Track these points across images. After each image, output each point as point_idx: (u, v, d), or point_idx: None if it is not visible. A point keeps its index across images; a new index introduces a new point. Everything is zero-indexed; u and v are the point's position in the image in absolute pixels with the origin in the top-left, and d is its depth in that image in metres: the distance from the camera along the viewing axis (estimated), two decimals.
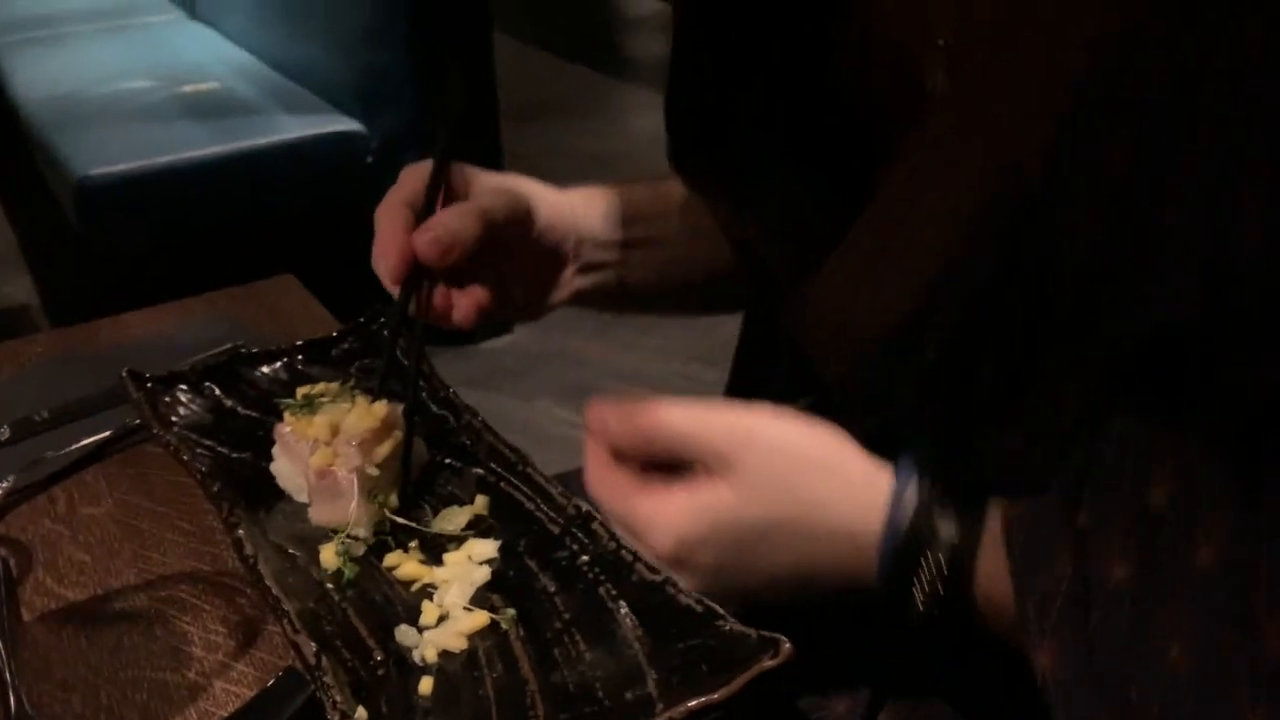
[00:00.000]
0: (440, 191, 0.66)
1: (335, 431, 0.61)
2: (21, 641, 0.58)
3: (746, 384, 0.83)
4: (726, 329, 0.89)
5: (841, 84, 0.59)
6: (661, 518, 0.52)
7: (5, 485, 0.70)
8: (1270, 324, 0.43)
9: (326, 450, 0.60)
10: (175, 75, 2.42)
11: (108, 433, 0.75)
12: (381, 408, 0.62)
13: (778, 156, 0.62)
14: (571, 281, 0.74)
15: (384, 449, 0.61)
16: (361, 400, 0.63)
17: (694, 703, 0.48)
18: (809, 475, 0.53)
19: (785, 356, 0.69)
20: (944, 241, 0.50)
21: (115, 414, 0.76)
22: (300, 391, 0.67)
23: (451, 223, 0.64)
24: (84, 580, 0.63)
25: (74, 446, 0.74)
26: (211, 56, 2.56)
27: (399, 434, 0.63)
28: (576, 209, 0.74)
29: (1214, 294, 0.43)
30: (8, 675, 0.54)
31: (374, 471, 0.60)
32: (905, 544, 0.50)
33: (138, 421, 0.73)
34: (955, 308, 0.49)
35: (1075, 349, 0.47)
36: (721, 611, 0.53)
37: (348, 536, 0.60)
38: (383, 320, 0.79)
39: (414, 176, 0.67)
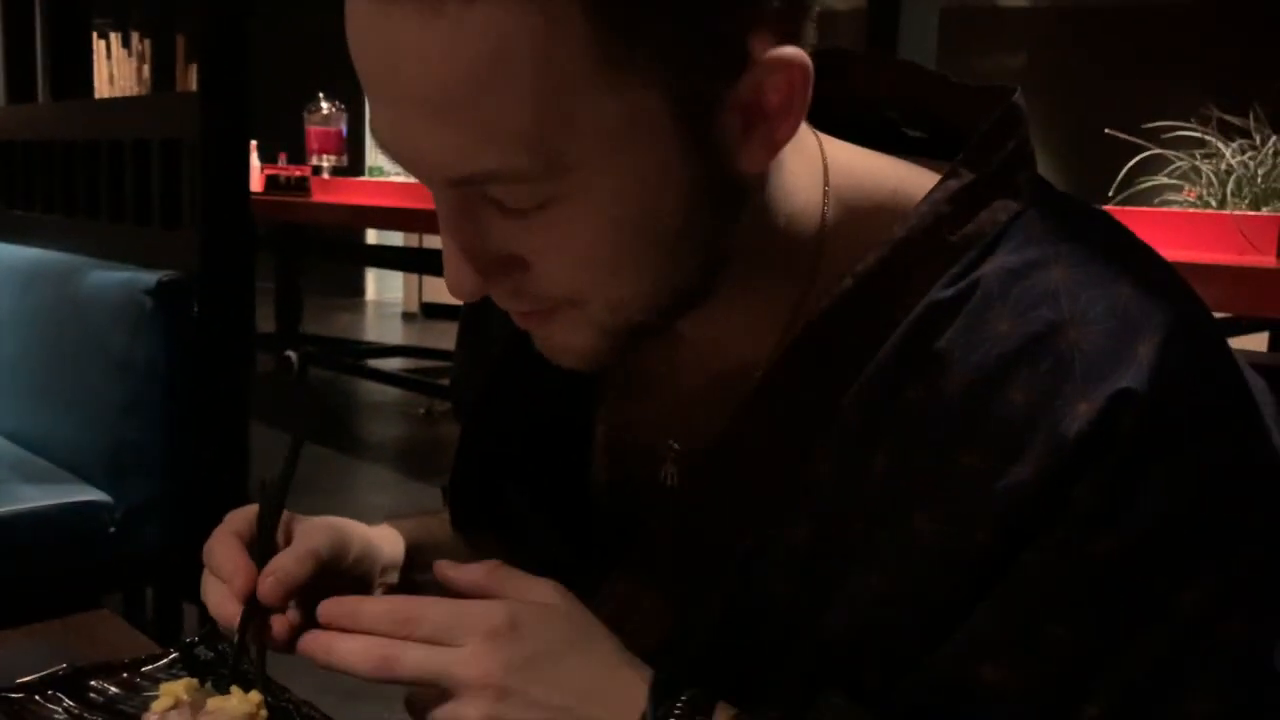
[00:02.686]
0: (275, 531, 0.77)
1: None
2: None
3: None
4: None
5: (595, 473, 0.79)
6: (501, 597, 0.65)
7: None
8: (911, 635, 0.62)
9: None
10: None
11: None
12: (256, 695, 0.71)
13: (544, 525, 0.80)
14: None
15: None
16: (236, 689, 0.72)
17: None
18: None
19: None
20: (679, 592, 0.70)
21: None
22: (163, 686, 0.74)
23: (289, 566, 0.74)
24: None
25: None
26: None
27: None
28: (380, 538, 0.89)
29: (866, 619, 0.63)
30: None
31: None
32: None
33: None
34: (691, 641, 0.69)
35: (781, 651, 0.67)
36: None
37: None
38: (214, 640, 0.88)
39: (239, 516, 0.78)
